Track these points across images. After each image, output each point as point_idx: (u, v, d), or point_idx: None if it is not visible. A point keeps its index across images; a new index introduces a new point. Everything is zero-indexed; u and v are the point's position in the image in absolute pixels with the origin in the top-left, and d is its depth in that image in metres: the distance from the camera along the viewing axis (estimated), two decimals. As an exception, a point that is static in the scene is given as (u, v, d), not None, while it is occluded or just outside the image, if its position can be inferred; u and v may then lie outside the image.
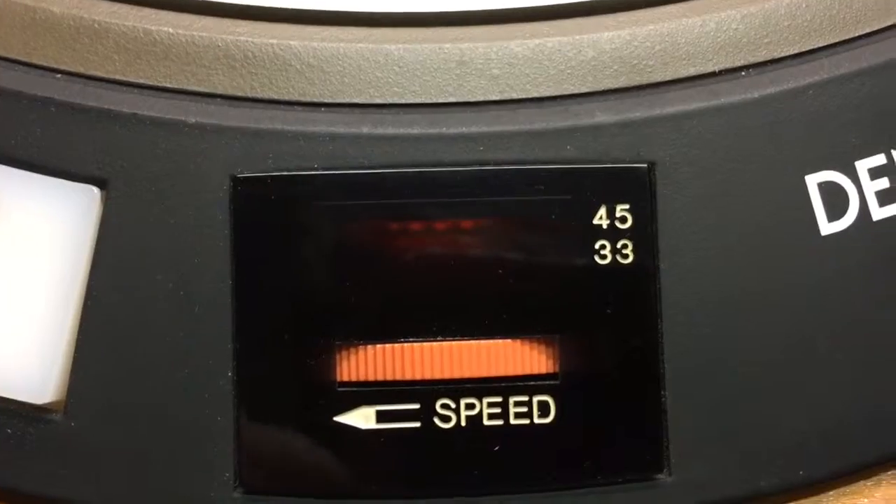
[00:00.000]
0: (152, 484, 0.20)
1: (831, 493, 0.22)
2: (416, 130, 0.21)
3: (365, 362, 0.20)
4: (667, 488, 0.21)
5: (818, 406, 0.21)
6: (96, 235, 0.21)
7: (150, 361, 0.20)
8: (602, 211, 0.21)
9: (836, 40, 0.22)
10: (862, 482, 0.22)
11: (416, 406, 0.20)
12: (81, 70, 0.21)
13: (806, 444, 0.21)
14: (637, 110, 0.21)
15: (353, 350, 0.20)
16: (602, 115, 0.21)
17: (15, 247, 0.21)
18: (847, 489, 0.22)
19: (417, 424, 0.20)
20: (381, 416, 0.20)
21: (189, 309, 0.20)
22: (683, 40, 0.22)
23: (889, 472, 0.22)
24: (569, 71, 0.21)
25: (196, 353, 0.20)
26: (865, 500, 0.22)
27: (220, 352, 0.20)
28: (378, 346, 0.20)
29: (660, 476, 0.21)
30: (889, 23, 0.22)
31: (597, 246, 0.21)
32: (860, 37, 0.22)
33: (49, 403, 0.21)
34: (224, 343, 0.20)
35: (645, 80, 0.22)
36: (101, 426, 0.20)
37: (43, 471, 0.20)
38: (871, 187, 0.21)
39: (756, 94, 0.21)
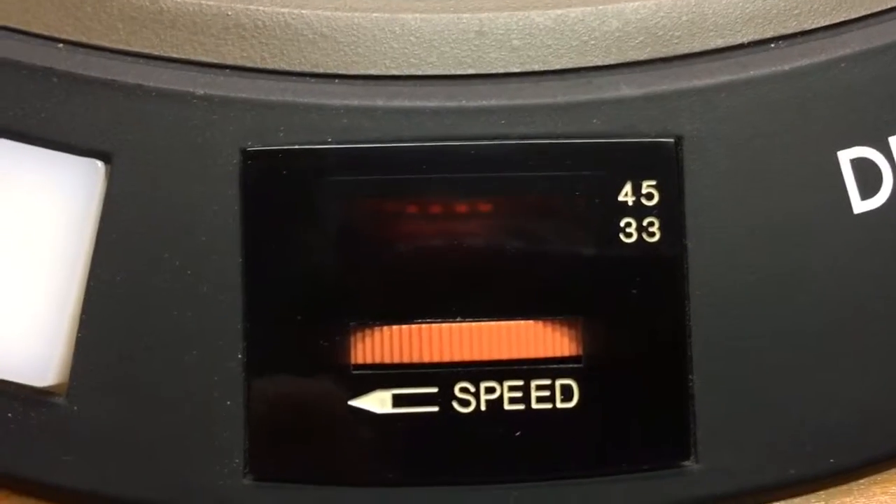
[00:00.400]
0: (158, 470, 0.19)
1: (863, 481, 0.21)
2: (433, 103, 0.20)
3: (380, 344, 0.20)
4: (694, 475, 0.20)
5: (850, 391, 0.20)
6: (100, 212, 0.20)
7: (155, 343, 0.19)
8: (627, 187, 0.20)
9: (869, 12, 0.21)
10: (895, 469, 0.21)
11: (434, 390, 0.20)
12: (84, 39, 0.20)
13: (837, 431, 0.20)
14: (663, 83, 0.20)
15: (368, 331, 0.20)
16: (627, 87, 0.20)
17: (15, 224, 0.20)
18: (878, 477, 0.21)
19: (435, 409, 0.20)
20: (397, 401, 0.20)
21: (197, 288, 0.20)
22: (711, 11, 0.21)
23: (921, 460, 0.21)
24: (592, 42, 0.21)
25: (204, 334, 0.19)
26: (897, 488, 0.21)
27: (230, 333, 0.19)
28: (394, 327, 0.20)
29: (687, 463, 0.20)
30: (922, -6, 0.22)
31: (622, 224, 0.20)
32: (893, 8, 0.21)
33: (51, 386, 0.20)
34: (233, 324, 0.19)
35: (671, 51, 0.21)
36: (105, 410, 0.19)
37: (45, 456, 0.19)
38: (906, 164, 0.21)
39: (786, 67, 0.21)
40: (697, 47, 0.21)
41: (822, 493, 0.21)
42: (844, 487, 0.21)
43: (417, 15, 0.21)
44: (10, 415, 0.20)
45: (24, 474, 0.20)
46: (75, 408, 0.20)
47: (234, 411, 0.19)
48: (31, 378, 0.20)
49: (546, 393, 0.20)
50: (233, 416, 0.19)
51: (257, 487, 0.19)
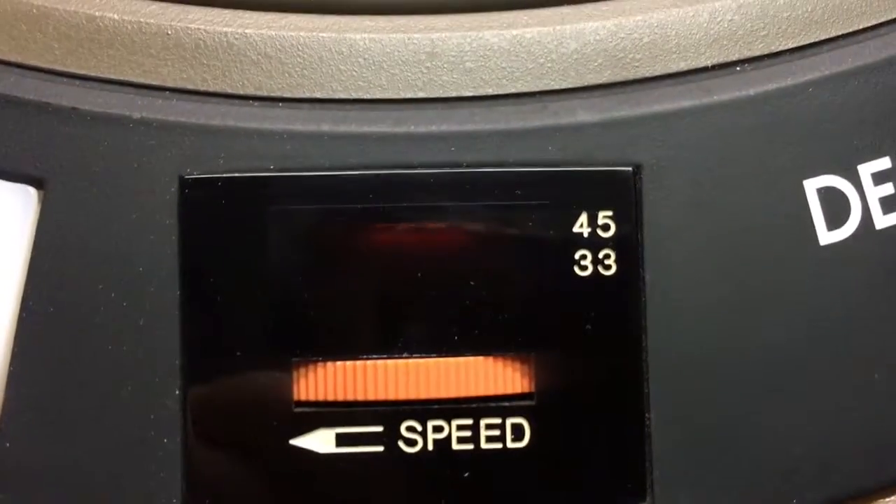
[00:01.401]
0: (92, 511, 0.19)
1: (827, 522, 0.20)
2: (382, 129, 0.19)
3: (324, 380, 0.19)
4: (649, 518, 0.19)
5: (814, 430, 0.20)
6: (32, 240, 0.19)
7: (90, 378, 0.19)
8: (583, 218, 0.19)
9: (839, 33, 0.21)
10: (860, 510, 0.20)
11: (380, 429, 0.19)
12: (18, 59, 0.20)
13: (800, 471, 0.20)
14: (622, 108, 0.20)
15: (310, 367, 0.19)
16: (584, 113, 0.19)
17: (-57, 252, 0.19)
18: (844, 518, 0.20)
19: (381, 449, 0.19)
20: (341, 440, 0.19)
21: (133, 321, 0.19)
22: (674, 32, 0.20)
23: (890, 499, 0.20)
24: (549, 65, 0.20)
25: (140, 369, 0.19)
26: (863, 529, 0.20)
27: (166, 368, 0.19)
28: (338, 363, 0.19)
29: (642, 505, 0.19)
30: (894, 16, 0.21)
31: (577, 256, 0.19)
32: (864, 30, 0.21)
33: (-21, 423, 0.19)
34: (170, 359, 0.19)
35: (631, 75, 0.20)
36: (37, 448, 0.19)
37: (-27, 496, 0.19)
38: (875, 193, 0.20)
39: (752, 92, 0.20)
40: (659, 70, 0.20)
41: (784, 534, 0.20)
42: (808, 528, 0.20)
43: (366, 35, 0.20)
44: (-63, 452, 0.19)
45: (-47, 514, 0.19)
46: (6, 444, 0.19)
47: (171, 450, 0.19)
48: (-41, 414, 0.19)
49: (496, 432, 0.19)
50: (169, 455, 0.19)
51: (194, 529, 0.19)
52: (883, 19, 0.21)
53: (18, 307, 0.19)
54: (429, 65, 0.20)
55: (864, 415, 0.20)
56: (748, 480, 0.19)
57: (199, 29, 0.20)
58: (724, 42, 0.20)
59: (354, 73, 0.20)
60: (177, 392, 0.19)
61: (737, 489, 0.19)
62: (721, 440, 0.19)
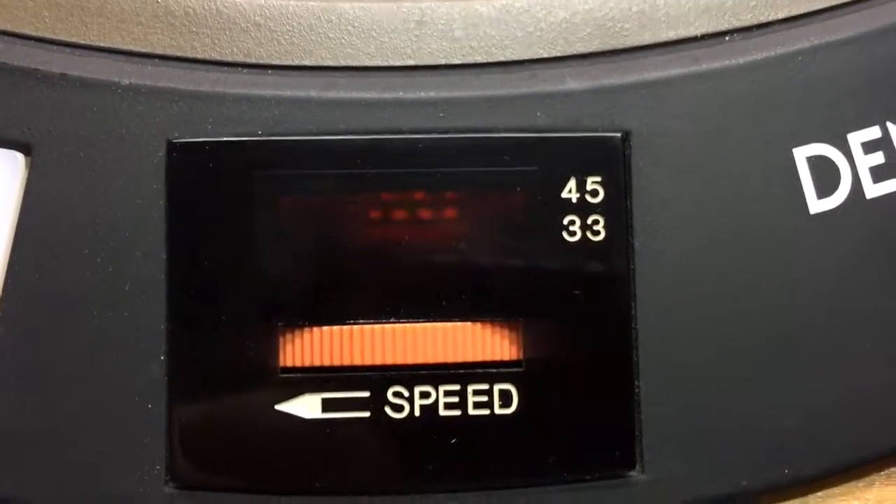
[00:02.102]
0: (76, 477, 0.18)
1: (819, 493, 0.20)
2: (370, 95, 0.19)
3: (310, 346, 0.19)
4: (639, 486, 0.19)
5: (805, 399, 0.19)
6: (19, 206, 0.19)
7: (75, 343, 0.19)
8: (571, 183, 0.19)
9: (829, 4, 0.20)
10: (853, 482, 0.20)
11: (366, 394, 0.19)
12: (7, 27, 0.20)
13: (792, 441, 0.19)
14: (611, 76, 0.19)
15: (296, 332, 0.19)
16: (573, 81, 0.19)
17: (-71, 217, 0.19)
18: (836, 490, 0.20)
19: (367, 414, 0.19)
20: (326, 405, 0.19)
21: (119, 286, 0.19)
22: (663, 2, 0.20)
23: (883, 473, 0.20)
24: (538, 34, 0.20)
25: (126, 334, 0.19)
26: (857, 501, 0.20)
27: (152, 333, 0.19)
28: (324, 328, 0.19)
29: (632, 473, 0.19)
30: (884, -13, 0.21)
31: (565, 221, 0.19)
32: (853, 2, 0.21)
33: (-37, 388, 0.19)
34: (156, 324, 0.19)
35: (620, 44, 0.20)
36: (21, 414, 0.19)
37: (-44, 462, 0.19)
38: (865, 162, 0.20)
39: (741, 61, 0.20)
40: (648, 39, 0.20)
41: (776, 505, 0.20)
42: (801, 500, 0.20)
43: (356, 4, 0.20)
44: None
45: (-64, 481, 0.19)
46: (-9, 411, 0.19)
47: (156, 416, 0.18)
48: (-57, 379, 0.19)
49: (484, 398, 0.19)
50: (154, 420, 0.18)
51: (179, 496, 0.18)
52: (873, -9, 0.21)
53: (4, 272, 0.19)
54: (417, 33, 0.20)
55: (856, 385, 0.20)
56: (740, 450, 0.19)
57: (188, -3, 0.20)
58: (714, 12, 0.20)
59: (343, 40, 0.20)
60: (162, 357, 0.19)
61: (728, 459, 0.19)
62: (712, 409, 0.19)
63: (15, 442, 0.19)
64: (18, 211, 0.19)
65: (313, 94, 0.19)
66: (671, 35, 0.20)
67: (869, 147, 0.20)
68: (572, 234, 0.19)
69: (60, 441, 0.18)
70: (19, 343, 0.19)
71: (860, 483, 0.20)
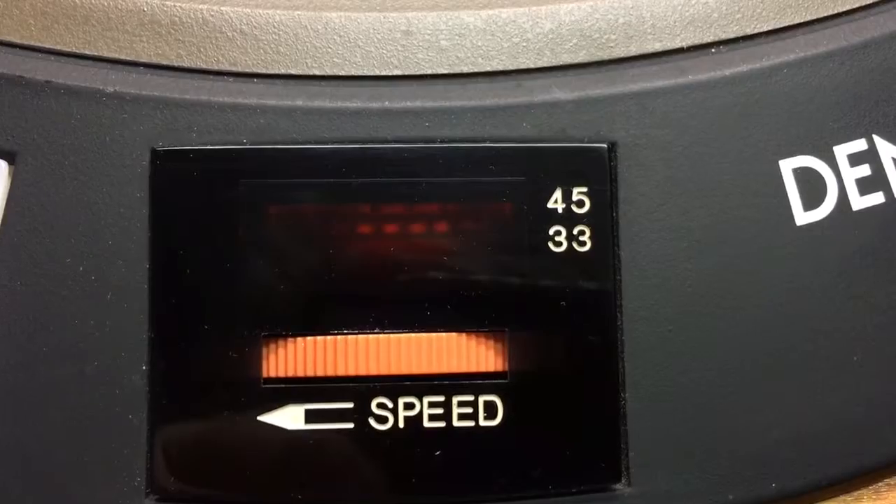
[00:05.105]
0: (55, 488, 0.18)
1: (807, 508, 0.20)
2: (355, 104, 0.19)
3: (293, 356, 0.18)
4: (625, 500, 0.19)
5: (792, 412, 0.19)
6: (2, 213, 0.19)
7: (56, 352, 0.18)
8: (557, 194, 0.19)
9: (813, 17, 0.21)
10: (841, 497, 0.20)
11: (350, 405, 0.18)
12: (-8, 35, 0.20)
13: (779, 454, 0.19)
14: (597, 87, 0.19)
15: (279, 343, 0.18)
16: (559, 91, 0.19)
17: None
18: (824, 504, 0.20)
19: (350, 425, 0.18)
20: (310, 416, 0.18)
21: (101, 295, 0.18)
22: (649, 14, 0.20)
23: (871, 487, 0.20)
24: (524, 44, 0.20)
25: (107, 343, 0.18)
26: (844, 515, 0.20)
27: (134, 343, 0.18)
28: (308, 338, 0.19)
29: (618, 486, 0.19)
30: (868, 2, 0.21)
31: (551, 232, 0.19)
32: (837, 15, 0.21)
33: (-58, 397, 0.19)
34: (138, 333, 0.18)
35: (607, 55, 0.20)
36: (0, 422, 0.18)
37: (-68, 472, 0.18)
38: (851, 174, 0.20)
39: (727, 72, 0.20)
40: (634, 51, 0.20)
41: (763, 520, 0.19)
42: (788, 515, 0.20)
43: (342, 13, 0.20)
44: None
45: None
46: (-31, 421, 0.18)
47: (137, 426, 0.18)
48: (-79, 388, 0.18)
49: (468, 410, 0.19)
50: (135, 431, 0.18)
51: (159, 508, 0.18)
52: (857, 4, 0.21)
53: (-15, 280, 0.19)
54: (404, 43, 0.20)
55: (843, 398, 0.19)
56: (727, 463, 0.19)
57: (174, 6, 0.20)
58: (699, 24, 0.20)
59: (329, 49, 0.20)
60: (144, 367, 0.18)
61: (716, 472, 0.19)
62: (698, 422, 0.19)
63: (-7, 452, 0.18)
64: (1, 218, 0.19)
65: (299, 102, 0.19)
66: (657, 46, 0.20)
67: (855, 159, 0.20)
68: (558, 244, 0.19)
69: (39, 452, 0.18)
70: (0, 351, 0.18)
71: (848, 497, 0.20)
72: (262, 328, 0.18)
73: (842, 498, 0.20)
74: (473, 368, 0.19)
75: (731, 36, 0.20)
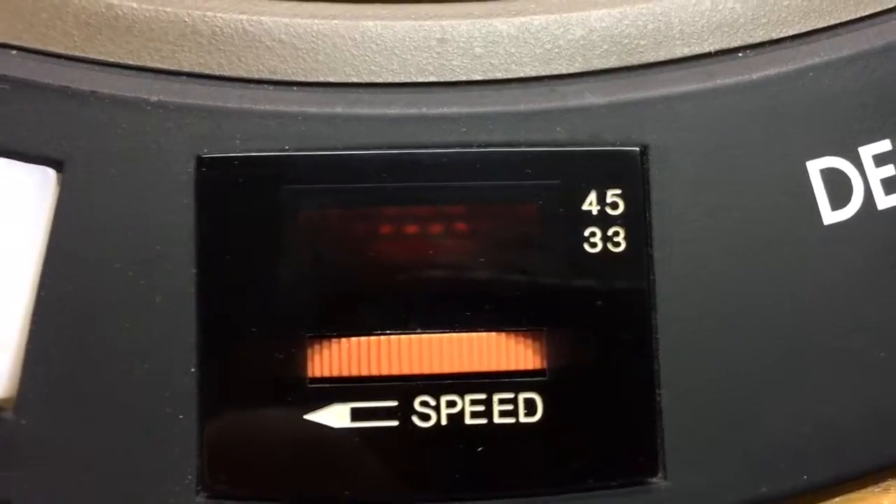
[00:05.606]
0: (108, 487, 0.19)
1: (837, 499, 0.20)
2: (394, 110, 0.20)
3: (338, 356, 0.19)
4: (661, 493, 0.19)
5: (822, 407, 0.20)
6: (51, 220, 0.19)
7: (107, 355, 0.19)
8: (592, 196, 0.20)
9: (836, 22, 0.21)
10: (869, 488, 0.20)
11: (394, 403, 0.19)
12: (39, 46, 0.20)
13: (809, 448, 0.20)
14: (628, 91, 0.20)
15: (325, 343, 0.19)
16: (591, 96, 0.20)
17: (-38, 232, 0.19)
18: (853, 496, 0.20)
19: (395, 423, 0.19)
20: (355, 415, 0.19)
21: (149, 299, 0.19)
22: (677, 19, 0.21)
23: (897, 479, 0.21)
24: (556, 50, 0.20)
25: (156, 346, 0.19)
26: (872, 506, 0.20)
27: (183, 345, 0.19)
28: (352, 339, 0.19)
29: (654, 480, 0.19)
30: (890, 5, 0.21)
31: (586, 233, 0.19)
32: (860, 19, 0.21)
33: (-2, 400, 0.19)
34: (187, 336, 0.19)
35: (636, 60, 0.20)
36: (54, 424, 0.19)
37: (-10, 472, 0.19)
38: (876, 174, 0.20)
39: (753, 76, 0.20)
40: (663, 56, 0.20)
41: (794, 511, 0.20)
42: (818, 506, 0.20)
43: (379, 22, 0.20)
44: (-46, 429, 0.19)
45: (-32, 492, 0.19)
46: (23, 422, 0.19)
47: (187, 426, 0.19)
48: (-23, 392, 0.19)
49: (509, 407, 0.19)
50: (185, 431, 0.19)
51: (210, 505, 0.19)
52: (877, 9, 0.21)
53: (37, 286, 0.19)
54: (439, 50, 0.20)
55: (871, 392, 0.20)
56: (759, 457, 0.20)
57: (215, 16, 0.20)
58: (726, 29, 0.21)
59: (367, 58, 0.20)
60: (192, 369, 0.19)
61: (748, 466, 0.20)
62: (732, 416, 0.20)
63: (49, 452, 0.19)
64: (50, 225, 0.19)
65: (339, 109, 0.20)
66: (685, 51, 0.21)
67: (880, 160, 0.20)
68: (593, 245, 0.19)
69: (94, 451, 0.19)
70: (52, 356, 0.19)
71: (876, 489, 0.20)
72: (307, 329, 0.19)
73: (870, 489, 0.20)
74: (513, 367, 0.19)
75: (758, 40, 0.21)
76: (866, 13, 0.21)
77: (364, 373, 0.19)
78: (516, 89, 0.20)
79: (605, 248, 0.19)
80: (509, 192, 0.19)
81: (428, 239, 0.19)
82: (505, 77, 0.20)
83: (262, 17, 0.20)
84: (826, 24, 0.21)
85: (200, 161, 0.19)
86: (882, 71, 0.21)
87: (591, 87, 0.20)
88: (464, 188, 0.19)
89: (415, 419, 0.19)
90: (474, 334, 0.19)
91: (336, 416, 0.19)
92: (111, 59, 0.20)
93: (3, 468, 0.19)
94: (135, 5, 0.20)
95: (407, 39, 0.20)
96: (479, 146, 0.20)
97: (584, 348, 0.19)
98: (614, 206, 0.20)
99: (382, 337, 0.19)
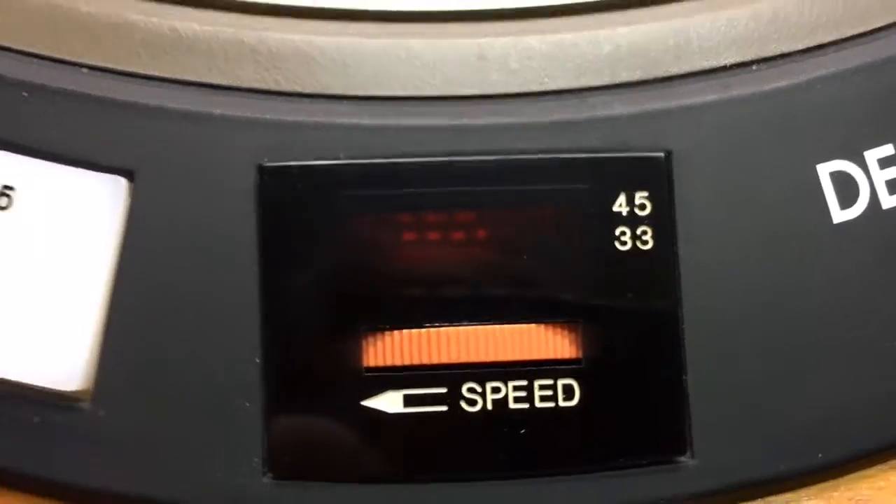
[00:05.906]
0: (181, 471, 0.20)
1: (851, 475, 0.22)
2: (438, 121, 0.21)
3: (392, 347, 0.21)
4: (689, 471, 0.21)
5: (835, 391, 0.21)
6: (124, 224, 0.21)
7: (177, 349, 0.20)
8: (622, 198, 0.21)
9: (842, 36, 0.23)
10: (879, 466, 0.22)
11: (443, 390, 0.21)
12: (109, 65, 0.22)
13: (824, 428, 0.21)
14: (653, 102, 0.22)
15: (379, 335, 0.21)
16: (620, 106, 0.22)
17: (45, 235, 0.21)
18: (866, 472, 0.22)
19: (444, 408, 0.21)
20: (407, 401, 0.21)
21: (216, 297, 0.21)
22: (696, 35, 0.22)
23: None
24: (586, 65, 0.22)
25: (224, 341, 0.20)
26: (883, 483, 0.22)
27: (248, 340, 0.20)
28: (404, 331, 0.21)
29: (682, 459, 0.21)
30: (890, 20, 0.23)
31: (617, 232, 0.21)
32: (864, 33, 0.23)
33: (76, 391, 0.21)
34: (252, 330, 0.20)
35: (660, 73, 0.22)
36: (129, 414, 0.20)
37: (70, 459, 0.20)
38: (881, 176, 0.22)
39: (767, 87, 0.22)
40: (684, 69, 0.22)
41: (812, 487, 0.22)
42: (832, 482, 0.22)
43: (422, 40, 0.22)
44: (36, 419, 0.20)
45: (50, 477, 0.20)
46: (100, 412, 0.20)
47: (253, 413, 0.20)
48: (58, 383, 0.20)
49: (549, 392, 0.21)
50: (251, 417, 0.20)
51: (276, 486, 0.20)
52: (879, 24, 0.23)
53: (112, 284, 0.21)
54: (478, 66, 0.22)
55: (881, 377, 0.22)
56: (779, 436, 0.21)
57: (271, 36, 0.22)
58: (741, 43, 0.22)
59: (412, 73, 0.22)
60: (257, 361, 0.20)
61: (768, 444, 0.21)
62: (753, 400, 0.21)
63: (124, 440, 0.20)
64: (123, 228, 0.21)
65: (388, 121, 0.21)
66: (704, 65, 0.22)
67: (884, 163, 0.22)
68: (623, 243, 0.21)
69: (166, 438, 0.20)
70: (127, 350, 0.20)
71: (885, 466, 0.22)
72: (363, 323, 0.21)
73: (879, 467, 0.22)
74: (552, 356, 0.21)
75: (770, 54, 0.22)
76: (869, 28, 0.23)
77: (416, 362, 0.21)
78: (550, 101, 0.22)
79: (634, 246, 0.21)
80: (546, 195, 0.21)
81: (473, 240, 0.21)
82: (539, 90, 0.22)
83: (314, 37, 0.22)
84: (833, 39, 0.23)
85: (262, 170, 0.21)
86: (885, 81, 0.22)
87: (618, 98, 0.22)
88: (504, 192, 0.21)
89: (462, 404, 0.21)
90: (516, 326, 0.21)
91: (390, 402, 0.21)
92: (176, 77, 0.22)
93: (82, 454, 0.20)
94: (197, 27, 0.22)
95: (449, 56, 0.22)
96: (517, 154, 0.21)
97: (616, 338, 0.21)
98: (642, 207, 0.21)
99: (432, 329, 0.21)
